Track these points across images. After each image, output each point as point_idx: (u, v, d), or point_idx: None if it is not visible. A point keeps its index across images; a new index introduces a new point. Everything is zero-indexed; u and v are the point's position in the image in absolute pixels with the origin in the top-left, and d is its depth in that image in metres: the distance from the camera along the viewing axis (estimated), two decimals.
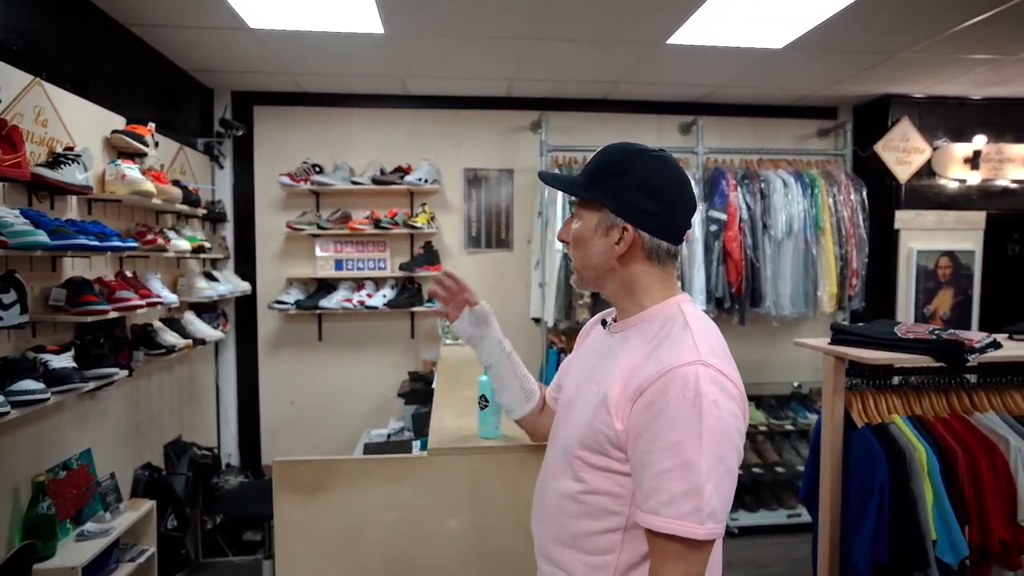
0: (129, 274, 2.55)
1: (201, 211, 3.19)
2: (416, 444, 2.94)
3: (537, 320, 3.75)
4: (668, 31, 2.84)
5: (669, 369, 0.87)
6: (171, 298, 2.62)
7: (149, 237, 2.62)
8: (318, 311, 3.69)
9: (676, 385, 0.85)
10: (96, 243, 2.00)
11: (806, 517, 3.39)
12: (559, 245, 3.48)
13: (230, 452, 3.88)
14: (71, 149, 2.19)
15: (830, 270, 3.66)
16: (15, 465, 2.04)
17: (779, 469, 3.67)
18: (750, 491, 3.71)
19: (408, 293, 3.84)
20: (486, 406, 1.72)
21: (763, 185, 3.68)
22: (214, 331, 3.18)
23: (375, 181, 3.73)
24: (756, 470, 3.65)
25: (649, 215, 0.96)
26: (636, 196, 0.96)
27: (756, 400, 3.85)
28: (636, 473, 0.90)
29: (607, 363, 0.99)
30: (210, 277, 3.34)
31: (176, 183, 2.96)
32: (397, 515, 1.65)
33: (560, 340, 3.66)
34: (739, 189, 3.64)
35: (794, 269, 3.67)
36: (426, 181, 3.78)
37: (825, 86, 3.71)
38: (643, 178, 0.97)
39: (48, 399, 1.83)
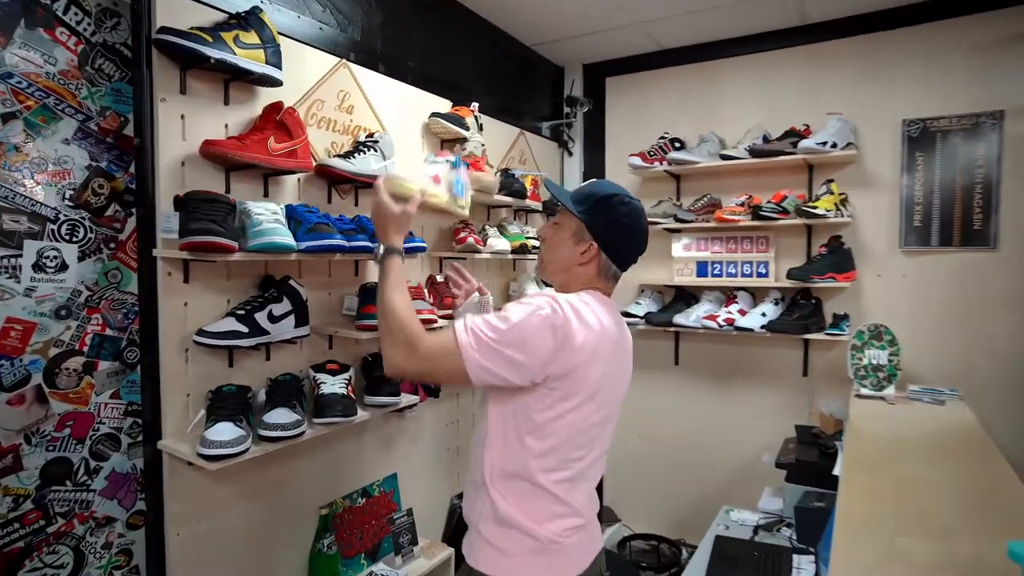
0: (440, 279, 2.20)
1: (534, 203, 2.71)
2: (802, 568, 1.82)
3: None
4: None
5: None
6: None
7: (461, 235, 2.23)
8: (673, 328, 2.84)
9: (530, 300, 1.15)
10: (361, 244, 1.62)
11: None
12: None
13: None
14: (371, 136, 1.90)
15: None
16: (303, 492, 1.83)
17: None
18: None
19: (801, 312, 2.64)
20: None
21: None
22: None
23: (754, 153, 2.65)
24: None
25: (614, 244, 1.24)
26: (611, 227, 1.23)
27: None
28: None
29: None
30: (546, 282, 2.85)
31: (505, 171, 2.54)
32: None
33: None
34: None
35: None
36: (834, 146, 2.51)
37: None
38: (618, 219, 1.23)
39: (300, 435, 1.50)
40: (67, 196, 1.36)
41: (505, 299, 2.68)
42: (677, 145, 2.87)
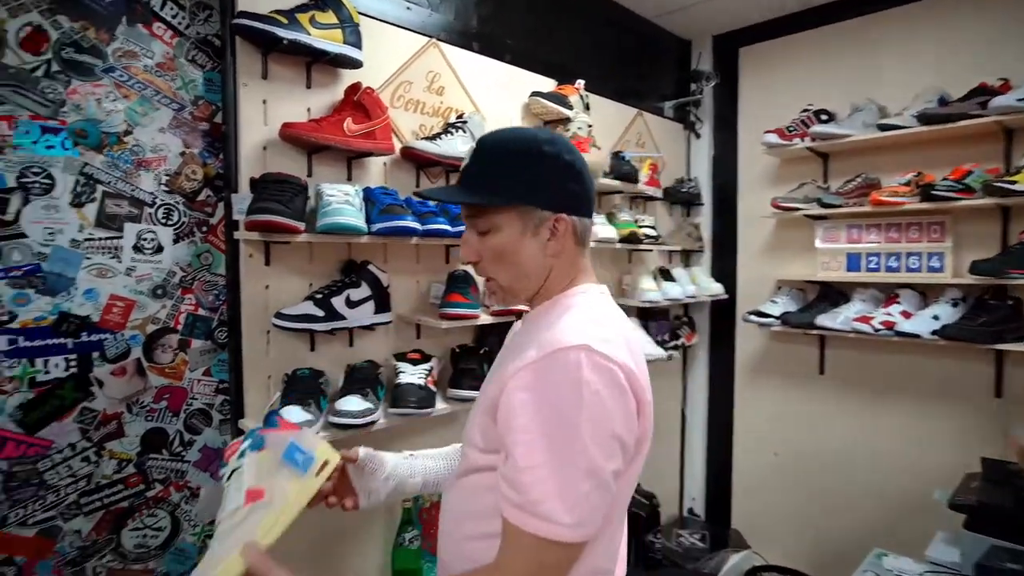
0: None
1: (650, 189, 2.47)
2: None
3: None
4: None
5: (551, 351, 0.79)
6: None
7: None
8: (816, 331, 2.43)
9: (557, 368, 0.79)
10: (437, 228, 1.53)
11: None
12: None
13: (694, 497, 3.08)
14: (461, 116, 1.83)
15: None
16: None
17: None
18: None
19: (990, 316, 2.11)
20: None
21: None
22: (655, 347, 2.43)
23: (926, 119, 2.17)
24: None
25: (576, 196, 0.89)
26: (562, 181, 0.87)
27: None
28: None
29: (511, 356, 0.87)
30: (665, 276, 2.60)
31: (616, 154, 2.35)
32: None
33: None
34: None
35: None
36: None
37: None
38: (556, 161, 0.86)
39: (369, 424, 1.46)
40: (163, 182, 1.44)
41: (618, 293, 2.48)
42: (824, 118, 2.45)
